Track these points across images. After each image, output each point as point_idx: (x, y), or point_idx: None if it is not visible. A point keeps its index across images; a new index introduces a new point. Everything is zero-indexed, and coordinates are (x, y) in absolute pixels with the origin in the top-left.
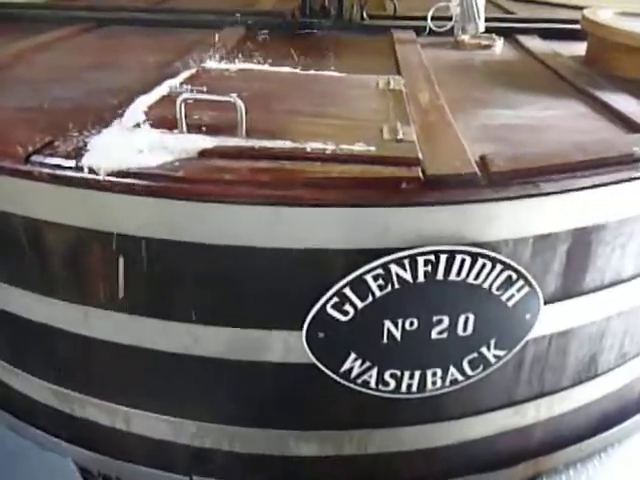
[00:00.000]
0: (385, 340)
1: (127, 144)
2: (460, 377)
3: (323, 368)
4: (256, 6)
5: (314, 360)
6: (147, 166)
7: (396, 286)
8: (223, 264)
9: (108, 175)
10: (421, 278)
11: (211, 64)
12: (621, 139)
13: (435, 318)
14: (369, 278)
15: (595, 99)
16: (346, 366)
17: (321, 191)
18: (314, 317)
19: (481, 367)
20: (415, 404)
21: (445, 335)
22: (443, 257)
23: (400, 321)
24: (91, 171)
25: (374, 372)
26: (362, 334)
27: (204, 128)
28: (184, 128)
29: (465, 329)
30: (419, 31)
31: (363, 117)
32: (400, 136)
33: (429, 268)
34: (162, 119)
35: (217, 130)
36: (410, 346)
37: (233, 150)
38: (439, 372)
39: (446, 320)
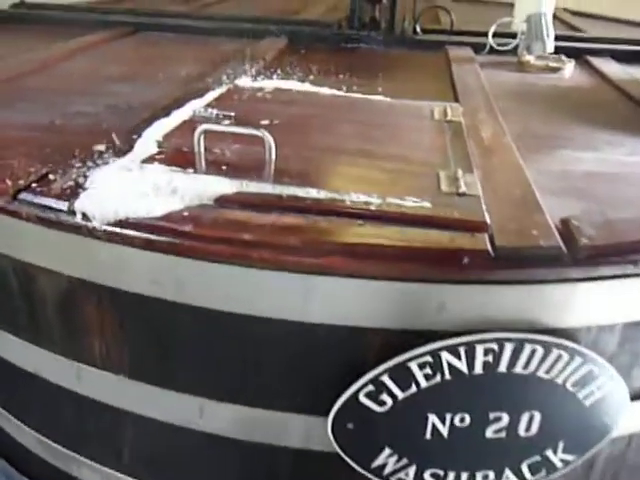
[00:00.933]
0: (428, 436)
1: (130, 184)
2: None
3: (350, 461)
4: (301, 14)
5: (340, 452)
6: (150, 215)
7: (447, 377)
8: (236, 334)
9: (104, 224)
10: (479, 369)
11: (245, 81)
12: None
13: (492, 415)
14: (414, 365)
15: None
16: (379, 461)
17: (362, 261)
18: (343, 405)
19: (544, 472)
20: None
21: (503, 434)
22: (509, 346)
23: (448, 416)
24: (85, 217)
25: (412, 470)
26: (401, 428)
27: (225, 166)
28: (202, 165)
29: (528, 429)
30: (477, 48)
31: (416, 158)
32: (462, 189)
33: (490, 358)
34: (178, 152)
35: (241, 168)
36: (458, 444)
37: (257, 199)
38: (491, 475)
39: (505, 418)
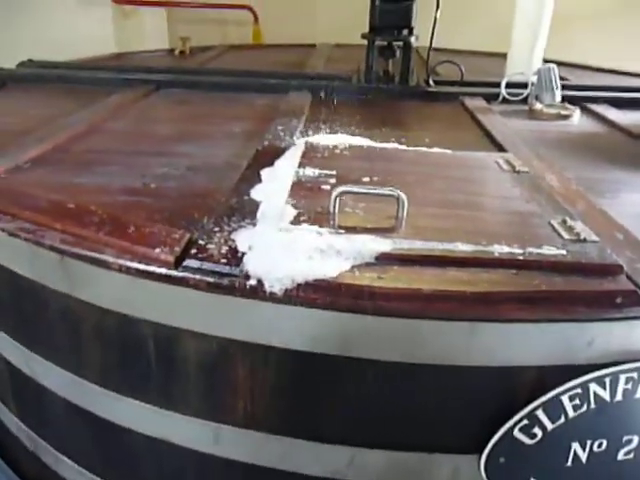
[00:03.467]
0: (569, 463)
1: (291, 246)
2: None
3: None
4: (308, 68)
5: None
6: (326, 277)
7: (592, 406)
8: (397, 383)
9: (282, 287)
10: (619, 397)
11: (313, 138)
12: None
13: (625, 438)
14: (565, 398)
15: None
16: None
17: (529, 307)
18: (498, 441)
19: None
20: None
21: (631, 455)
22: None
23: (589, 442)
24: (259, 281)
25: None
26: (546, 457)
27: (358, 224)
28: (337, 226)
29: None
30: (488, 98)
31: (518, 209)
32: (582, 235)
33: (630, 386)
34: (315, 213)
35: (373, 226)
36: (594, 468)
37: (415, 255)
38: None
39: (636, 439)
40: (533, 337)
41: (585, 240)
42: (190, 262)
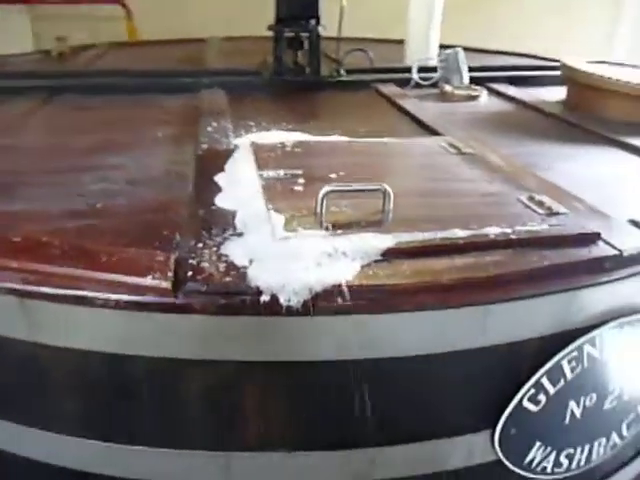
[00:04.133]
0: (567, 421)
1: (296, 255)
2: (618, 441)
3: (509, 464)
4: (208, 64)
5: (502, 458)
6: (342, 281)
7: (585, 365)
8: (418, 374)
9: (300, 298)
10: (606, 352)
11: (256, 138)
12: None
13: (610, 388)
14: (565, 362)
15: (627, 146)
16: (530, 457)
17: (536, 283)
18: (510, 414)
19: (636, 426)
20: (577, 477)
21: (615, 403)
22: (628, 328)
23: (582, 399)
24: (273, 296)
25: (552, 456)
26: (549, 420)
27: (345, 220)
28: (326, 226)
29: (629, 393)
30: (399, 84)
31: (484, 190)
32: (554, 208)
33: (614, 341)
34: (302, 215)
35: (360, 220)
36: (587, 422)
37: (418, 246)
38: (604, 441)
39: (617, 389)
40: (536, 310)
41: (558, 213)
42: (191, 285)
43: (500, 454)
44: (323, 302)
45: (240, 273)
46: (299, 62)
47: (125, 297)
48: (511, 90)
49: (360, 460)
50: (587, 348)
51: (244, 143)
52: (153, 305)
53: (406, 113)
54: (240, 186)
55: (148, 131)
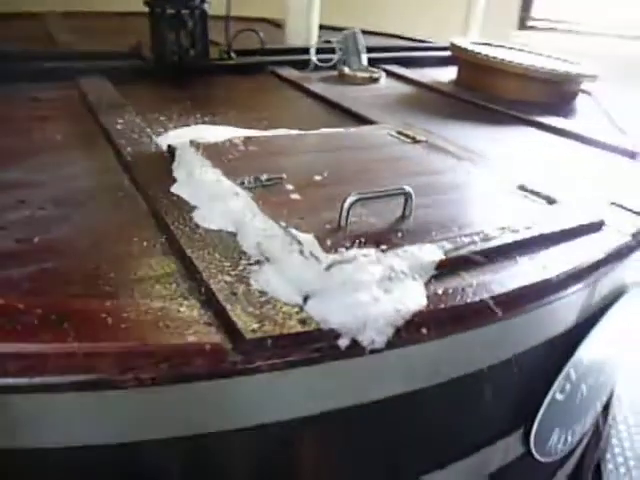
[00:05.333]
0: (578, 401)
1: (358, 285)
2: (594, 415)
3: (536, 454)
4: (61, 45)
5: (533, 451)
6: (421, 307)
7: (595, 345)
8: (473, 389)
9: (384, 337)
10: (609, 329)
11: (191, 136)
12: None
13: (604, 363)
14: (584, 348)
15: (531, 122)
16: (550, 442)
17: (582, 277)
18: (546, 409)
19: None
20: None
21: (600, 379)
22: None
23: (589, 379)
24: (354, 340)
25: (564, 436)
26: (568, 405)
27: (366, 230)
28: (359, 241)
29: (609, 370)
30: (296, 66)
31: (476, 181)
32: (552, 197)
33: (615, 316)
34: (326, 234)
35: (382, 229)
36: (589, 396)
37: (465, 254)
38: (592, 413)
39: (602, 364)
40: (573, 302)
41: (555, 201)
42: (251, 341)
43: (533, 448)
44: (407, 334)
45: (302, 316)
46: (183, 44)
47: (163, 369)
48: (404, 71)
49: None
50: (599, 332)
51: (180, 143)
52: (203, 373)
53: (321, 98)
54: (219, 200)
55: (37, 132)
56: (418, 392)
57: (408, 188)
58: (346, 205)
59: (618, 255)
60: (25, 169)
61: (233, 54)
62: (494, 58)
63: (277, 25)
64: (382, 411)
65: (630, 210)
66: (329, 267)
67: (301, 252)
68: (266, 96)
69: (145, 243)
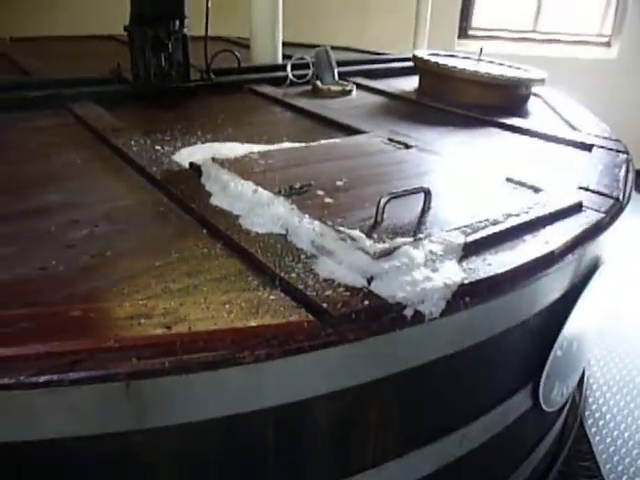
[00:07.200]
0: (571, 355)
1: (411, 267)
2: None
3: (544, 405)
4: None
5: (542, 403)
6: (461, 280)
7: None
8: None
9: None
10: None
11: (197, 153)
12: None
13: (586, 322)
14: (577, 308)
15: (494, 123)
16: (554, 393)
17: (575, 249)
18: (550, 364)
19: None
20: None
21: (584, 337)
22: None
23: (579, 335)
24: (417, 311)
25: (562, 387)
26: (565, 358)
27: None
28: (395, 232)
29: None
30: (272, 83)
31: (473, 179)
32: (536, 185)
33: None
34: (366, 228)
35: (402, 222)
36: (577, 353)
37: (484, 237)
38: (580, 369)
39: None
40: (568, 270)
41: (540, 190)
42: (338, 316)
43: (542, 399)
44: (452, 304)
45: (369, 295)
46: (164, 67)
47: (276, 343)
48: (372, 83)
49: (452, 443)
50: (585, 296)
51: (203, 160)
52: (304, 346)
53: (306, 112)
54: (262, 207)
55: (55, 158)
56: (460, 353)
57: (428, 187)
58: (382, 203)
59: (598, 229)
60: (65, 192)
61: (212, 74)
62: (454, 68)
63: (235, 43)
64: (433, 372)
65: (597, 192)
66: (383, 254)
67: (354, 245)
68: (255, 113)
69: (205, 249)
